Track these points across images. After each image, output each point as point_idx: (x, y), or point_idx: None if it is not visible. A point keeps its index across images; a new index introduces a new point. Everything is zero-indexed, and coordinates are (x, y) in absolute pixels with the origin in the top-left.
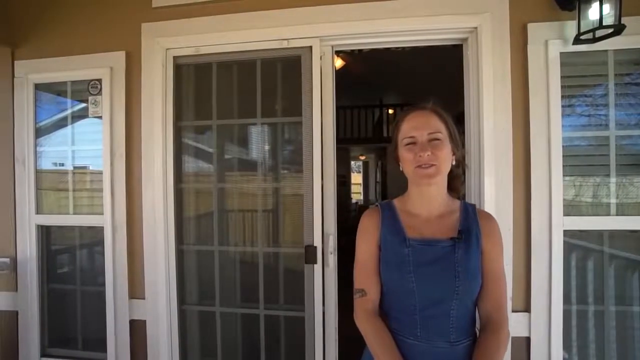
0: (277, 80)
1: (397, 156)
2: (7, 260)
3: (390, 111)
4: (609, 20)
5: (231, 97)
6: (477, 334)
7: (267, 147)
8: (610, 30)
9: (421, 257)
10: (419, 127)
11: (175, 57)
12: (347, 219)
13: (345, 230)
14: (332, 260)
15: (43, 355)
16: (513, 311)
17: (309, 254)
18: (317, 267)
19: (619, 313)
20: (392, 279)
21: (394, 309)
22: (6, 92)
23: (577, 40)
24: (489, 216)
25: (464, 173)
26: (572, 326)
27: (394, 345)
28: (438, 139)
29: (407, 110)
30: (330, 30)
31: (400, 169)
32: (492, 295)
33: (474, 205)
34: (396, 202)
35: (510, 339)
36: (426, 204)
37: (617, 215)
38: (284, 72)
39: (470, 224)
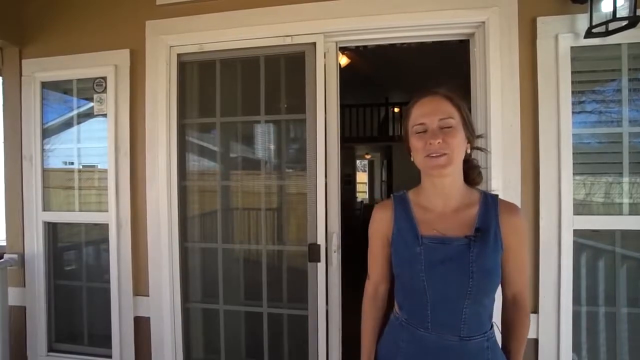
0: (280, 77)
1: (408, 146)
2: (15, 256)
3: (396, 109)
4: (622, 12)
5: (235, 95)
6: (494, 328)
7: (270, 145)
8: (624, 23)
9: (433, 256)
10: (430, 113)
11: (179, 55)
12: (352, 218)
13: (351, 229)
14: (336, 258)
15: (50, 350)
16: None
17: (313, 252)
18: (321, 266)
19: (631, 315)
20: (403, 274)
21: (406, 302)
22: (14, 91)
23: (589, 34)
24: (511, 209)
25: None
26: (581, 328)
27: (373, 335)
28: (450, 126)
29: (418, 95)
30: (334, 26)
31: (412, 159)
32: (517, 284)
33: (495, 196)
34: (410, 194)
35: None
36: (441, 197)
37: (629, 214)
38: (288, 69)
39: (490, 219)
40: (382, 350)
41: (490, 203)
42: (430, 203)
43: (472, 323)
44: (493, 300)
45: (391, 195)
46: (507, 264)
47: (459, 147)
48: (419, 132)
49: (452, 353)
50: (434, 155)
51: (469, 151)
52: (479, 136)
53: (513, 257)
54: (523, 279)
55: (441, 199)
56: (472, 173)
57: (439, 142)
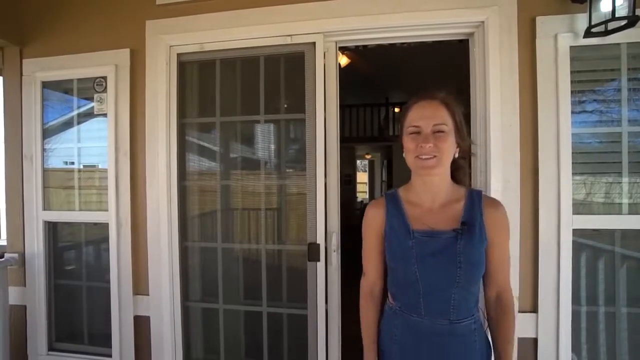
0: (280, 77)
1: (402, 144)
2: (15, 255)
3: (397, 109)
4: (622, 11)
5: (234, 94)
6: (480, 312)
7: (270, 145)
8: (623, 22)
9: (424, 249)
10: (425, 117)
11: (179, 55)
12: (352, 218)
13: (350, 229)
14: (335, 258)
15: (50, 349)
16: (520, 311)
17: (312, 251)
18: (320, 265)
19: (631, 315)
20: (397, 267)
21: (399, 292)
22: (15, 90)
23: (588, 34)
24: (493, 203)
25: (469, 163)
26: (581, 328)
27: (373, 330)
28: (442, 131)
29: (417, 97)
30: (333, 25)
31: (404, 156)
32: (499, 280)
33: (479, 192)
34: (401, 191)
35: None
36: (429, 193)
37: (629, 214)
38: (288, 68)
39: (474, 213)
40: (381, 341)
41: (475, 198)
42: (420, 199)
43: (460, 308)
44: (478, 287)
45: (383, 193)
46: (490, 261)
47: (448, 150)
48: (412, 133)
49: (443, 335)
50: (424, 157)
51: (456, 155)
52: (470, 142)
53: (496, 252)
54: (505, 276)
55: (430, 195)
56: (458, 174)
57: (429, 146)
